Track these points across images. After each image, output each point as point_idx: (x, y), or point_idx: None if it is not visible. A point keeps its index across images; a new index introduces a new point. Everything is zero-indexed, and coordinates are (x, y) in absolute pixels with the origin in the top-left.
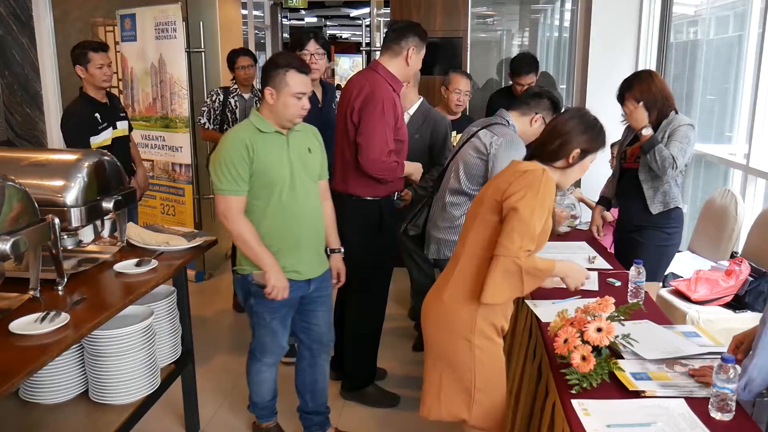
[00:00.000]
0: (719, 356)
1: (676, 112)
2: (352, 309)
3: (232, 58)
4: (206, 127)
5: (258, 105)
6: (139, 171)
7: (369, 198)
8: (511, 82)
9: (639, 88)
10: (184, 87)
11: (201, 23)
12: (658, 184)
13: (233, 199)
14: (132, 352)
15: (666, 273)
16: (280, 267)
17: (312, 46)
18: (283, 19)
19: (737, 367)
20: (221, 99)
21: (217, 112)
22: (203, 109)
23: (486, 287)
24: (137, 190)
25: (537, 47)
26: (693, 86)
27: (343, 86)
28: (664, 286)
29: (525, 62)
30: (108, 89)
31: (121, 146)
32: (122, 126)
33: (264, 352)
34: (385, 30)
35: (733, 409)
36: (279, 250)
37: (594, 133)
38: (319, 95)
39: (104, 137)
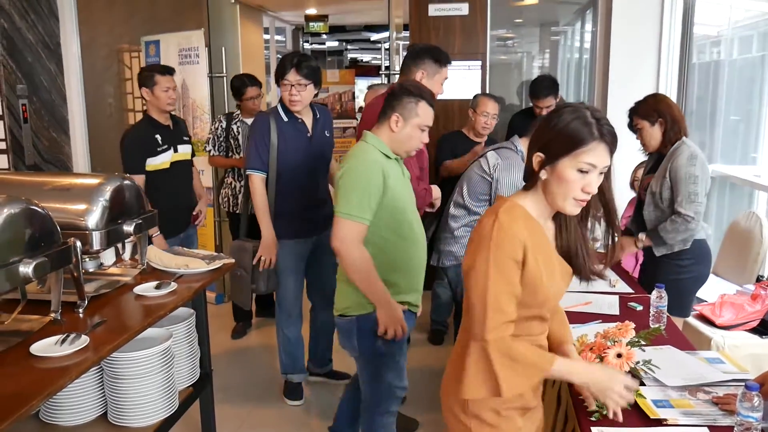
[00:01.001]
0: (744, 383)
1: (686, 135)
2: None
3: (240, 87)
4: (212, 154)
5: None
6: (201, 200)
7: None
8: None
9: (643, 110)
10: (206, 111)
11: (223, 48)
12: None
13: (358, 226)
14: (150, 375)
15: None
16: (392, 300)
17: (293, 77)
18: (304, 44)
19: (760, 396)
20: (224, 126)
21: (221, 139)
22: (208, 136)
23: (461, 380)
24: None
25: (557, 69)
26: (716, 107)
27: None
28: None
29: (544, 85)
30: (172, 112)
31: (182, 170)
32: (184, 150)
33: (393, 401)
34: (404, 53)
35: None
36: (410, 287)
37: (556, 125)
38: (309, 123)
39: (162, 159)
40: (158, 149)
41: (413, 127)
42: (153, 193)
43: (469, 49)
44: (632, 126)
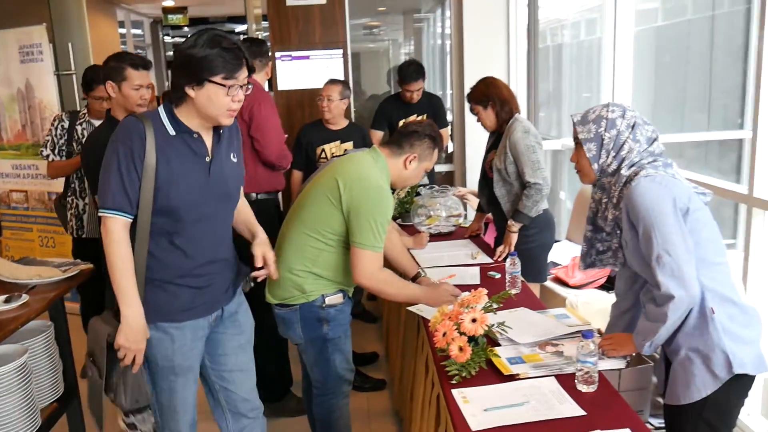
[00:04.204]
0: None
1: (518, 112)
2: (266, 314)
3: (92, 81)
4: (50, 159)
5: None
6: None
7: (268, 195)
8: (400, 89)
9: (475, 95)
10: (55, 111)
11: (70, 44)
12: (513, 198)
13: (380, 255)
14: (6, 394)
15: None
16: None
17: (243, 75)
18: (165, 37)
19: (596, 342)
20: (66, 126)
21: (61, 142)
22: (46, 139)
23: None
24: None
25: (422, 55)
26: (566, 85)
27: None
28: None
29: (412, 69)
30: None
31: None
32: None
33: (344, 383)
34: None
35: (597, 380)
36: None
37: None
38: (209, 141)
39: None
40: None
41: (421, 169)
42: None
43: (330, 39)
44: (471, 110)
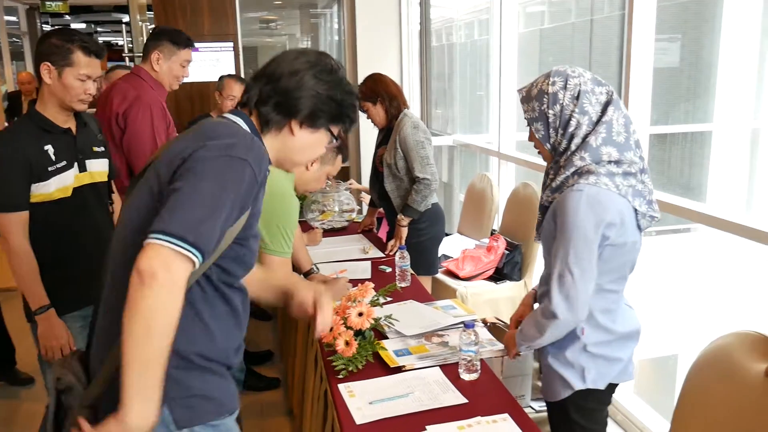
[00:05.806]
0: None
1: (407, 107)
2: None
3: None
4: None
5: None
6: None
7: None
8: None
9: (363, 92)
10: None
11: None
12: (403, 193)
13: (289, 260)
14: None
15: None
16: None
17: None
18: (43, 25)
19: (477, 331)
20: None
21: None
22: None
23: None
24: None
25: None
26: (458, 84)
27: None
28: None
29: None
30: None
31: (93, 199)
32: (99, 167)
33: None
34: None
35: (479, 368)
36: None
37: None
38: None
39: (58, 184)
40: (50, 168)
41: (323, 173)
42: (41, 240)
43: (220, 31)
44: (361, 108)
